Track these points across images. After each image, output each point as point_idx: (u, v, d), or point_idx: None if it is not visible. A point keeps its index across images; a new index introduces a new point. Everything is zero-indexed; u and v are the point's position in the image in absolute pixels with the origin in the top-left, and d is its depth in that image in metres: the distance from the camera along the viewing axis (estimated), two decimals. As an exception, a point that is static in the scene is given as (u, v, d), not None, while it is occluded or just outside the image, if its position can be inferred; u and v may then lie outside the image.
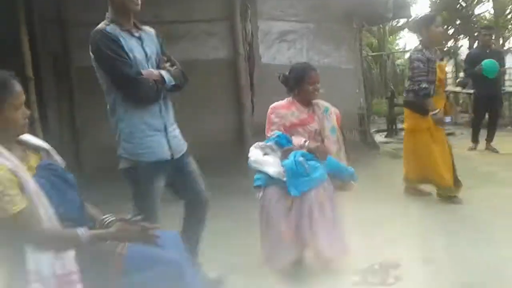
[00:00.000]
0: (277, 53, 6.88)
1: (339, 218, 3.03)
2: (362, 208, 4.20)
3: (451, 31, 15.48)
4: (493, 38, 8.01)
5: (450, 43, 15.78)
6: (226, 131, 6.22)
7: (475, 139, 7.31)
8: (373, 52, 16.51)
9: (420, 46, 4.48)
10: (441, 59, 4.63)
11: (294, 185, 2.88)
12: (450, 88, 12.15)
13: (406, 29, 18.28)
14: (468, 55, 7.63)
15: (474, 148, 7.25)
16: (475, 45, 12.80)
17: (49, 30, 5.93)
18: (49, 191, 1.85)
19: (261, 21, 6.71)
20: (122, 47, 2.47)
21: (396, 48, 20.05)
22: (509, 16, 15.82)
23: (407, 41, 20.87)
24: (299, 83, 3.25)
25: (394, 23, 17.60)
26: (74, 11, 5.86)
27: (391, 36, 19.39)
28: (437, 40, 4.61)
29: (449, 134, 8.32)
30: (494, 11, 11.88)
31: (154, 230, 1.93)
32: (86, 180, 1.98)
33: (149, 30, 2.72)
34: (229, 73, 6.24)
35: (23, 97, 1.89)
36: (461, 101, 12.48)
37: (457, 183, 4.59)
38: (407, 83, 4.74)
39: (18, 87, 1.87)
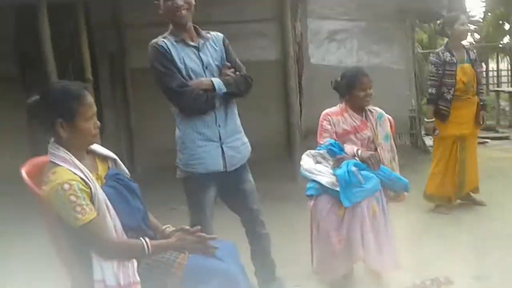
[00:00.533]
0: (327, 53, 6.82)
1: (391, 231, 2.98)
2: (410, 218, 4.12)
3: (507, 26, 14.80)
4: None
5: (507, 40, 15.07)
6: (273, 133, 6.23)
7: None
8: (423, 49, 15.95)
9: (443, 48, 4.38)
10: (473, 60, 4.38)
11: (347, 196, 2.85)
12: (507, 88, 11.67)
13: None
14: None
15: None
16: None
17: (106, 32, 6.14)
18: (115, 200, 1.93)
19: (311, 20, 6.67)
20: (171, 59, 2.50)
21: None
22: None
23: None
24: (350, 89, 3.19)
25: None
26: (130, 13, 6.04)
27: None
28: (462, 39, 4.45)
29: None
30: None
31: (212, 240, 1.98)
32: (139, 181, 2.06)
33: (214, 36, 2.70)
34: (278, 75, 6.25)
35: (95, 108, 1.96)
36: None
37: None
38: None
39: (89, 98, 1.94)
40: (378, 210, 2.91)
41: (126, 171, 2.15)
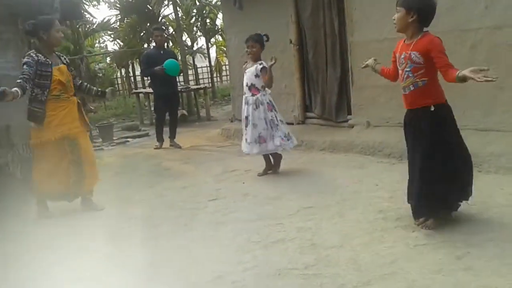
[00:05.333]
0: None
1: None
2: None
3: (143, 34, 16.00)
4: (165, 37, 8.42)
5: (146, 45, 16.28)
6: None
7: (159, 138, 7.59)
8: (72, 56, 15.65)
9: (35, 50, 4.23)
10: (66, 64, 4.43)
11: None
12: (144, 89, 12.51)
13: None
14: (144, 55, 7.84)
15: (160, 147, 7.53)
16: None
17: None
18: None
19: None
20: None
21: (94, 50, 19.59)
22: (193, 20, 17.38)
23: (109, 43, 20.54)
24: None
25: (88, 26, 17.12)
26: None
27: (89, 38, 18.79)
28: (57, 45, 4.42)
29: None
30: (176, 14, 12.73)
31: None
32: None
33: None
34: None
35: None
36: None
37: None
38: None
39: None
40: None
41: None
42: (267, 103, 5.00)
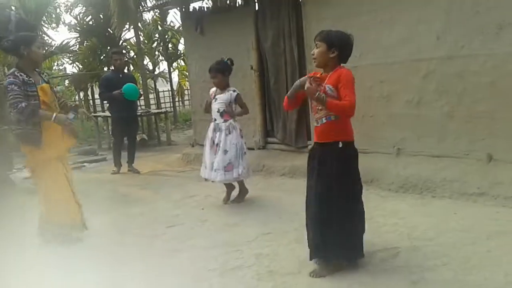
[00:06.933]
0: None
1: None
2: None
3: (103, 57, 15.77)
4: (124, 61, 8.32)
5: (106, 69, 16.03)
6: None
7: (117, 162, 7.41)
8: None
9: (16, 68, 4.00)
10: (47, 82, 4.29)
11: None
12: (103, 113, 12.30)
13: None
14: (103, 78, 7.70)
15: (117, 172, 7.34)
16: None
17: None
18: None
19: None
20: None
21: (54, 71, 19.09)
22: (155, 44, 17.33)
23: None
24: None
25: (46, 48, 16.72)
26: None
27: (47, 61, 18.30)
28: (39, 61, 4.27)
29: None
30: (137, 39, 12.67)
31: None
32: None
33: None
34: None
35: None
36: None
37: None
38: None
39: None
40: None
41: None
42: (240, 129, 5.03)
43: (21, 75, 3.93)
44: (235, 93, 5.01)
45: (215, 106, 5.02)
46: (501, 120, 4.43)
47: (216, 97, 5.03)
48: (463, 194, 4.36)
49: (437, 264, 3.01)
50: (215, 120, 5.02)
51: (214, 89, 5.10)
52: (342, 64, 3.08)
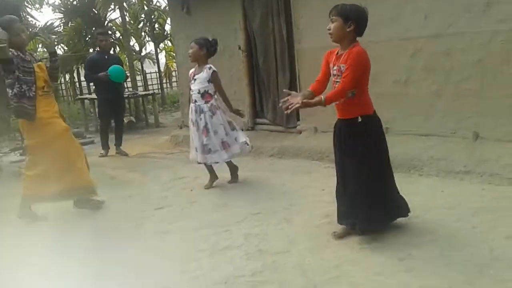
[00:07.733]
0: None
1: None
2: None
3: (89, 38, 15.50)
4: (110, 42, 8.20)
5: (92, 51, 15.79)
6: None
7: (104, 145, 7.34)
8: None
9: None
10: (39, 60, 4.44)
11: None
12: (90, 95, 12.17)
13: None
14: (88, 60, 7.56)
15: (105, 155, 7.28)
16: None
17: None
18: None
19: None
20: None
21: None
22: (141, 25, 17.04)
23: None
24: None
25: (30, 29, 16.38)
26: None
27: (31, 42, 17.97)
28: (22, 46, 4.21)
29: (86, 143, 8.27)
30: (123, 19, 12.45)
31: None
32: None
33: None
34: None
35: None
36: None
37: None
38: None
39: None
40: None
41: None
42: (222, 108, 4.86)
43: (16, 52, 4.09)
44: (211, 70, 4.73)
45: (195, 86, 4.78)
46: (487, 98, 4.46)
47: (195, 77, 4.80)
48: (450, 172, 4.40)
49: (423, 241, 3.05)
50: (196, 101, 4.78)
51: (193, 69, 4.91)
52: (358, 38, 3.08)
